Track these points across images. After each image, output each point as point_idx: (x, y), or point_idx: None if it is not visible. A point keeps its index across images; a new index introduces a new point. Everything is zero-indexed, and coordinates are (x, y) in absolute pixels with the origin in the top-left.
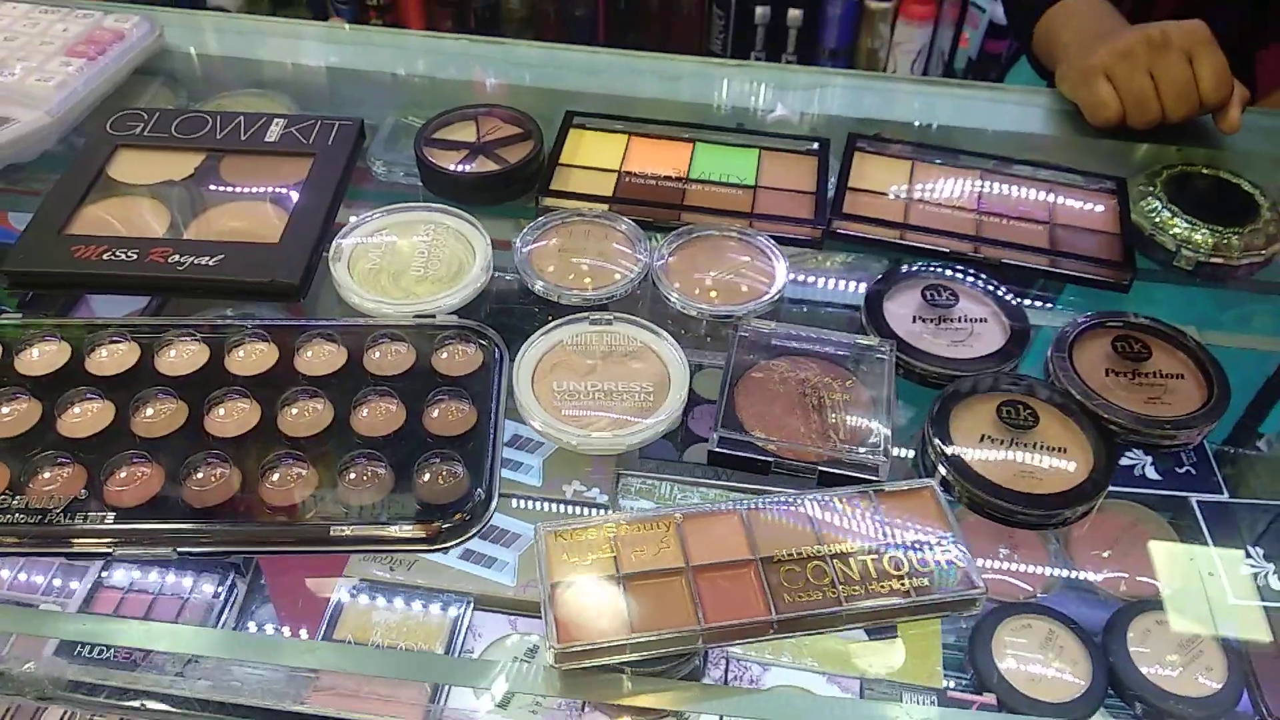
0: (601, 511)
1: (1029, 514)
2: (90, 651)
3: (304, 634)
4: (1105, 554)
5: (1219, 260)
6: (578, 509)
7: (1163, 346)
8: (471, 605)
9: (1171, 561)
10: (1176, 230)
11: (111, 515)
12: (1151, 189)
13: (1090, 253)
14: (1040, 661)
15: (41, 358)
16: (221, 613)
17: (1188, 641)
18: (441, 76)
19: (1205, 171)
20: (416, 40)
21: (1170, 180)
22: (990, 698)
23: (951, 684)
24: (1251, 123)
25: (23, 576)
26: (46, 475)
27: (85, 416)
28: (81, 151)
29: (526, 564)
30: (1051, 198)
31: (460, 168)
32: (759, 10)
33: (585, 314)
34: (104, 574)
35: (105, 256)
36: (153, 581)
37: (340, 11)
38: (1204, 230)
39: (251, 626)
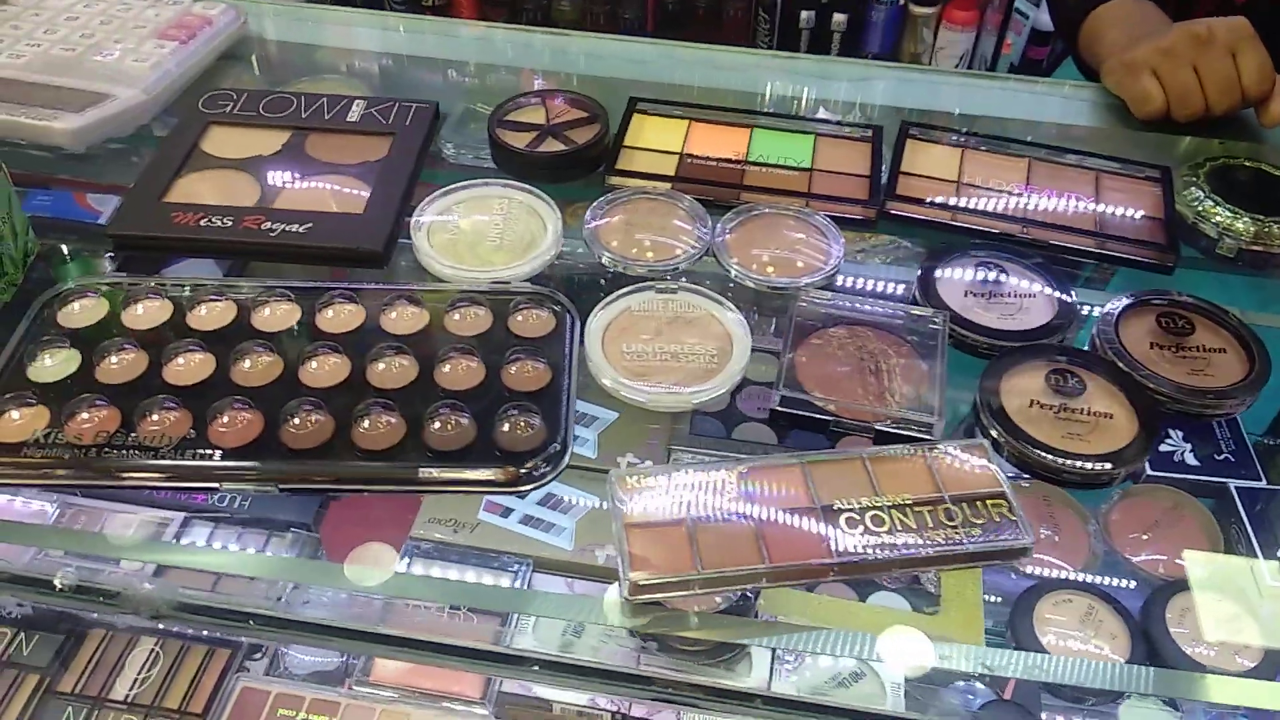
0: None
1: (1075, 471)
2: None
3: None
4: (1144, 536)
5: (1260, 248)
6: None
7: (1205, 323)
8: (531, 568)
9: (1210, 544)
10: (1219, 218)
11: (218, 454)
12: (1194, 179)
13: (1135, 236)
14: (1080, 637)
15: (146, 313)
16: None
17: (1225, 621)
18: (503, 65)
19: (1247, 163)
20: (480, 31)
21: (1213, 171)
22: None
23: None
24: None
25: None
26: (155, 417)
27: (188, 366)
28: (176, 127)
29: (584, 530)
30: (1097, 184)
31: (531, 148)
32: (804, 14)
33: (652, 282)
34: (180, 533)
35: (202, 223)
36: (223, 542)
37: (395, 8)
38: (1246, 219)
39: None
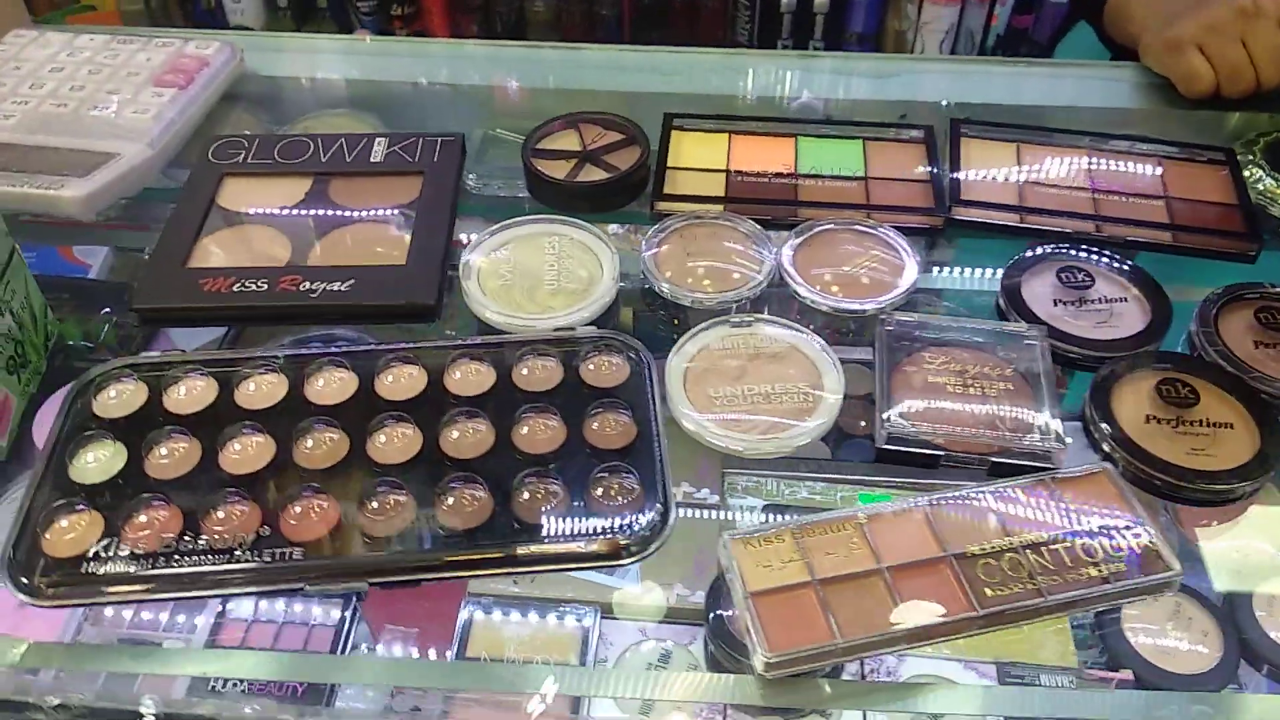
0: (716, 514)
1: (1204, 490)
2: (223, 686)
3: (432, 655)
4: (1217, 524)
5: None
6: (706, 512)
7: None
8: (599, 615)
9: None
10: (1277, 194)
11: (298, 550)
12: (1251, 157)
13: (1212, 225)
14: (1171, 635)
15: (190, 395)
16: (347, 637)
17: None
18: (515, 87)
19: None
20: (483, 50)
21: (1269, 147)
22: (1127, 673)
23: (1085, 662)
24: None
25: (145, 615)
26: (221, 515)
27: (247, 452)
28: (188, 183)
29: (648, 569)
30: (1161, 171)
31: (572, 177)
32: None
33: (724, 317)
34: (226, 606)
35: (235, 288)
36: (278, 610)
37: (365, 23)
38: None
39: (379, 650)
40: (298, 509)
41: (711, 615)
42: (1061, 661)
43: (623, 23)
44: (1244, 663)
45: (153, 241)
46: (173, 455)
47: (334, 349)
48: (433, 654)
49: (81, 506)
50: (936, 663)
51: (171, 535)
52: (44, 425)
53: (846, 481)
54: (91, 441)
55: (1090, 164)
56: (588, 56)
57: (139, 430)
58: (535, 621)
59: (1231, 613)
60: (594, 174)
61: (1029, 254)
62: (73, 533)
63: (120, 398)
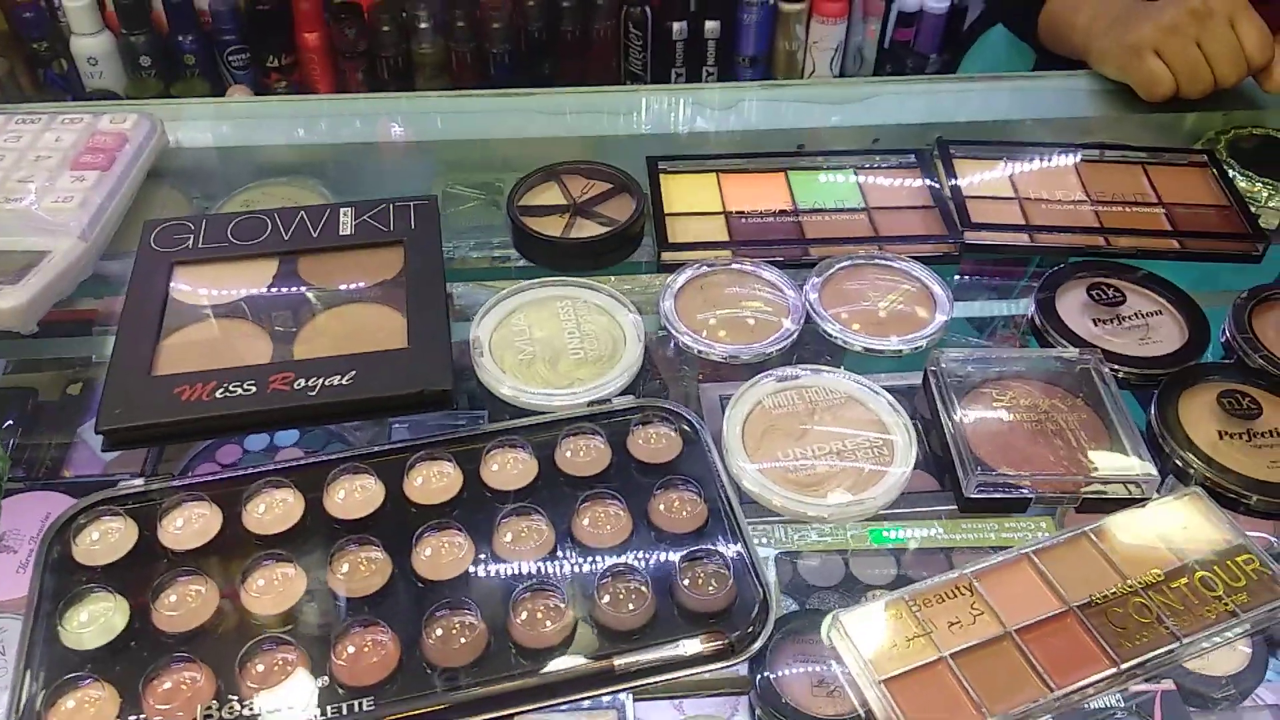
0: None
1: None
2: None
3: None
4: None
5: None
6: None
7: None
8: (632, 696)
9: None
10: (1260, 195)
11: (367, 700)
12: (1220, 157)
13: (1212, 228)
14: None
15: (190, 526)
16: None
17: None
18: (467, 137)
19: (1256, 132)
20: (415, 103)
21: (1231, 146)
22: (1168, 684)
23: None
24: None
25: None
26: (261, 669)
27: (273, 587)
28: (134, 277)
29: None
30: (1149, 178)
31: (568, 233)
32: (676, 26)
33: (766, 374)
34: None
35: (220, 394)
36: None
37: (238, 78)
38: None
39: None
40: (350, 649)
41: (759, 679)
42: None
43: (514, 60)
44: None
45: (98, 346)
46: (186, 602)
47: (353, 453)
48: None
49: (88, 680)
50: None
51: (209, 702)
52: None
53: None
54: (82, 597)
55: (1082, 176)
56: (525, 102)
57: (138, 576)
58: (564, 713)
59: None
60: (589, 228)
61: (1050, 273)
62: (84, 715)
63: (106, 540)
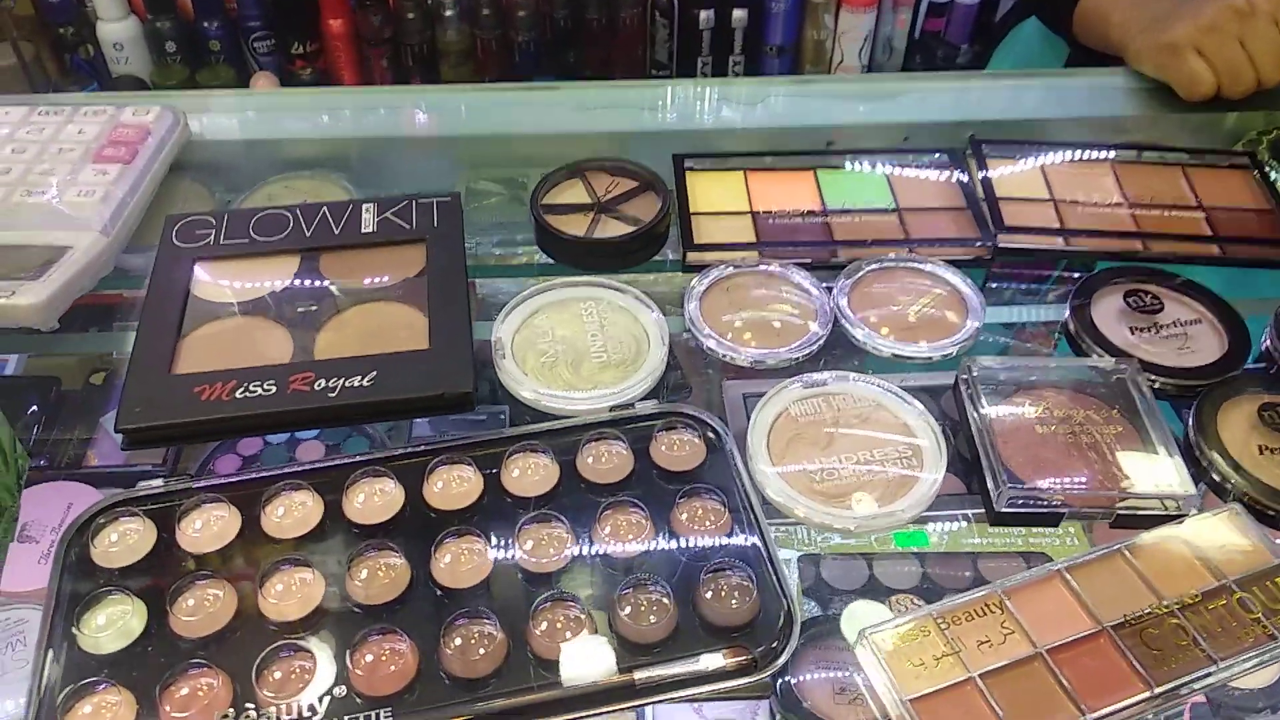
0: None
1: None
2: None
3: None
4: None
5: None
6: None
7: None
8: None
9: None
10: None
11: (385, 711)
12: (1261, 158)
13: (1254, 233)
14: None
15: (209, 529)
16: None
17: None
18: (491, 132)
19: None
20: (439, 96)
21: (1273, 146)
22: (1199, 697)
23: None
24: None
25: None
26: (279, 676)
27: (291, 592)
28: (155, 273)
29: None
30: (1189, 180)
31: (592, 232)
32: (703, 15)
33: (793, 379)
34: None
35: (239, 394)
36: None
37: (264, 65)
38: None
39: None
40: (369, 657)
41: (780, 684)
42: None
43: (539, 48)
44: None
45: (119, 341)
46: (204, 606)
47: (372, 456)
48: None
49: (105, 685)
50: None
51: (226, 709)
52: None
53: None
54: (100, 600)
55: (1118, 178)
56: (551, 96)
57: (156, 579)
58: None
59: None
60: (614, 227)
61: (1084, 280)
62: (101, 717)
63: (124, 541)
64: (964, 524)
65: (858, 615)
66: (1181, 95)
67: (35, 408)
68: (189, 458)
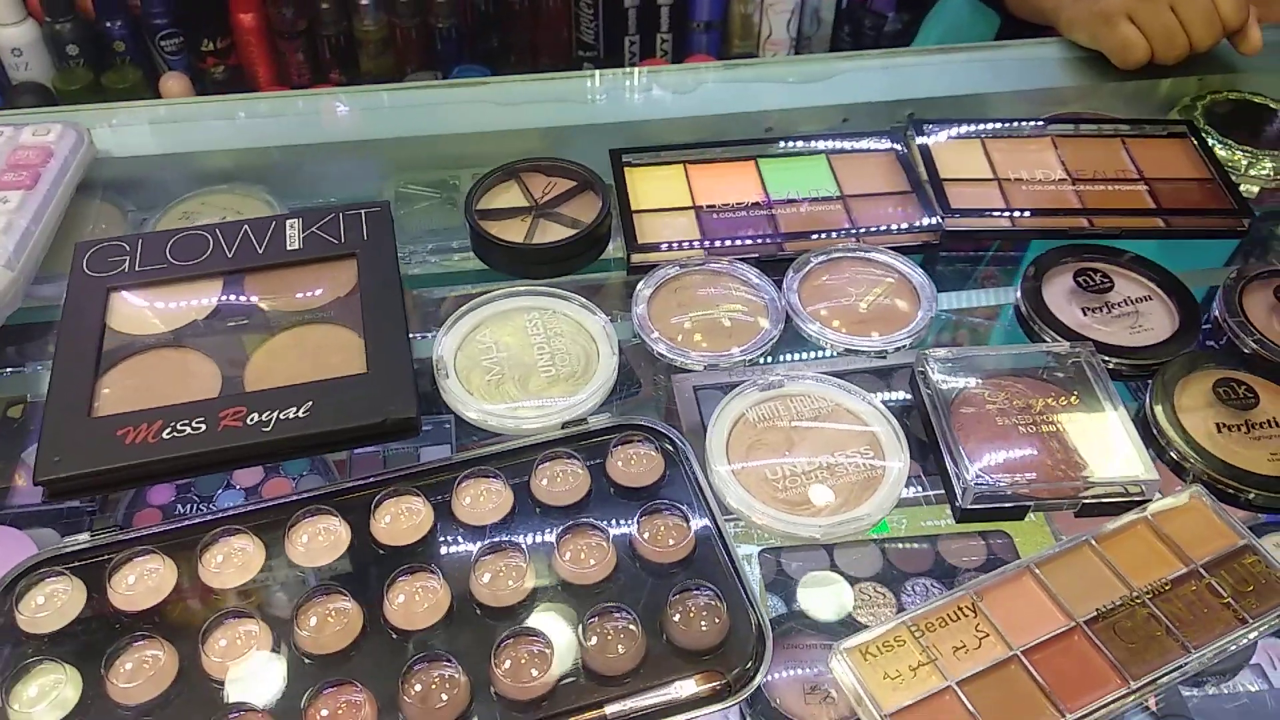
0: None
1: None
2: None
3: None
4: None
5: None
6: None
7: None
8: None
9: None
10: (1239, 163)
11: None
12: (1200, 125)
13: (1198, 204)
14: None
15: (144, 584)
16: None
17: None
18: (417, 133)
19: (1232, 96)
20: (355, 97)
21: (1208, 112)
22: None
23: None
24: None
25: None
26: None
27: (236, 647)
28: (67, 307)
29: None
30: (1130, 152)
31: (531, 238)
32: None
33: (751, 381)
34: None
35: (166, 435)
36: None
37: (173, 64)
38: (1266, 159)
39: None
40: (324, 711)
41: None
42: None
43: (461, 34)
44: None
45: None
46: (143, 670)
47: (313, 493)
48: None
49: None
50: None
51: None
52: None
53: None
54: (30, 670)
55: (1059, 153)
56: (476, 92)
57: (89, 643)
58: None
59: None
60: (554, 230)
61: (1037, 259)
62: None
63: (52, 604)
64: (922, 505)
65: (815, 586)
66: (1115, 62)
67: None
68: (115, 494)
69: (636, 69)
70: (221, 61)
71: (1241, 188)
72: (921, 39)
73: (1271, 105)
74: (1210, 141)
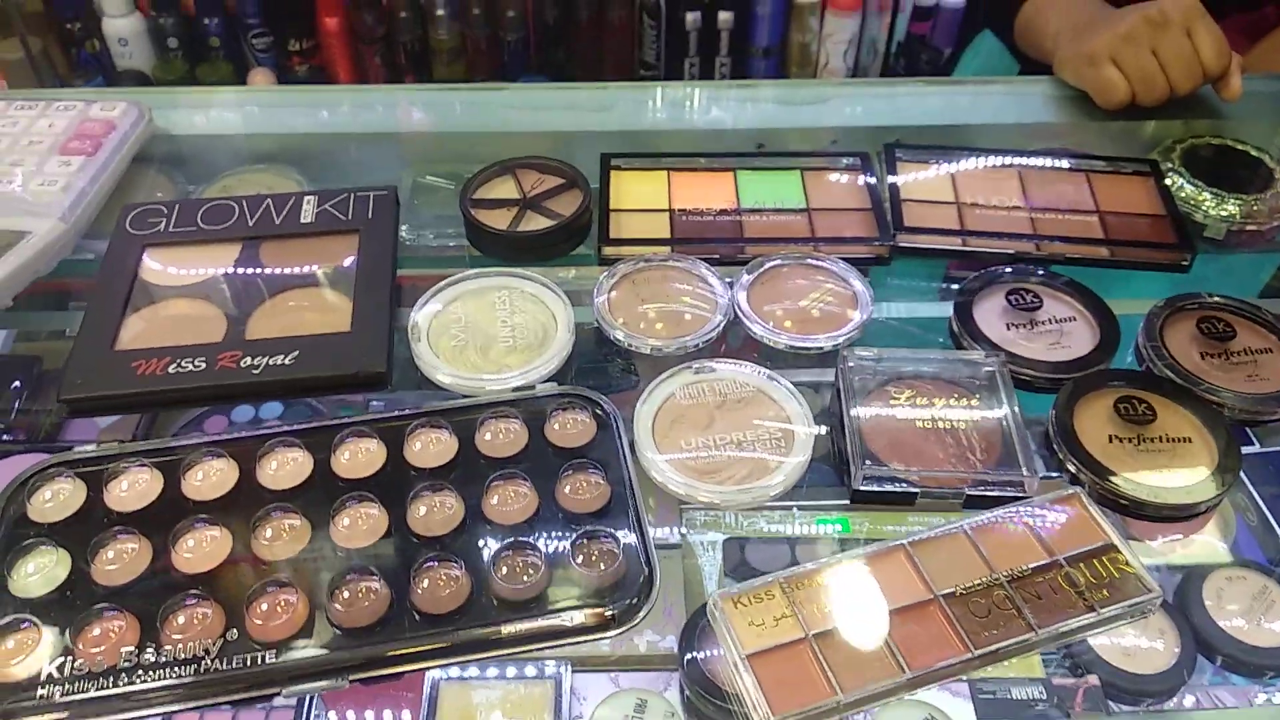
0: (678, 553)
1: (1169, 508)
2: None
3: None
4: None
5: (1253, 227)
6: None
7: (1243, 323)
8: (570, 667)
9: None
10: (1205, 204)
11: (270, 653)
12: (1170, 165)
13: (1144, 237)
14: (1130, 635)
15: (134, 490)
16: (308, 715)
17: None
18: (441, 130)
19: (1213, 141)
20: (401, 95)
21: (1185, 154)
22: (1093, 679)
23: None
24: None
25: None
26: (182, 620)
27: (201, 548)
28: (107, 257)
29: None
30: (1091, 186)
31: (515, 226)
32: (689, 16)
33: (686, 364)
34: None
35: (171, 369)
36: None
37: (262, 61)
38: (1231, 202)
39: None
40: (264, 607)
41: (686, 660)
42: (1029, 672)
43: (528, 46)
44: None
45: (72, 321)
46: (121, 558)
47: (285, 428)
48: None
49: (27, 624)
50: None
51: (130, 648)
52: None
53: (805, 508)
54: (31, 550)
55: (1023, 182)
56: (506, 97)
57: (81, 533)
58: (504, 682)
59: (1184, 607)
60: (537, 221)
61: (973, 277)
62: (22, 654)
63: (57, 499)
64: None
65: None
66: (1098, 103)
67: (18, 383)
68: (162, 429)
69: (655, 83)
70: (306, 61)
71: (1208, 229)
72: (959, 73)
73: (1252, 152)
74: (1179, 181)
